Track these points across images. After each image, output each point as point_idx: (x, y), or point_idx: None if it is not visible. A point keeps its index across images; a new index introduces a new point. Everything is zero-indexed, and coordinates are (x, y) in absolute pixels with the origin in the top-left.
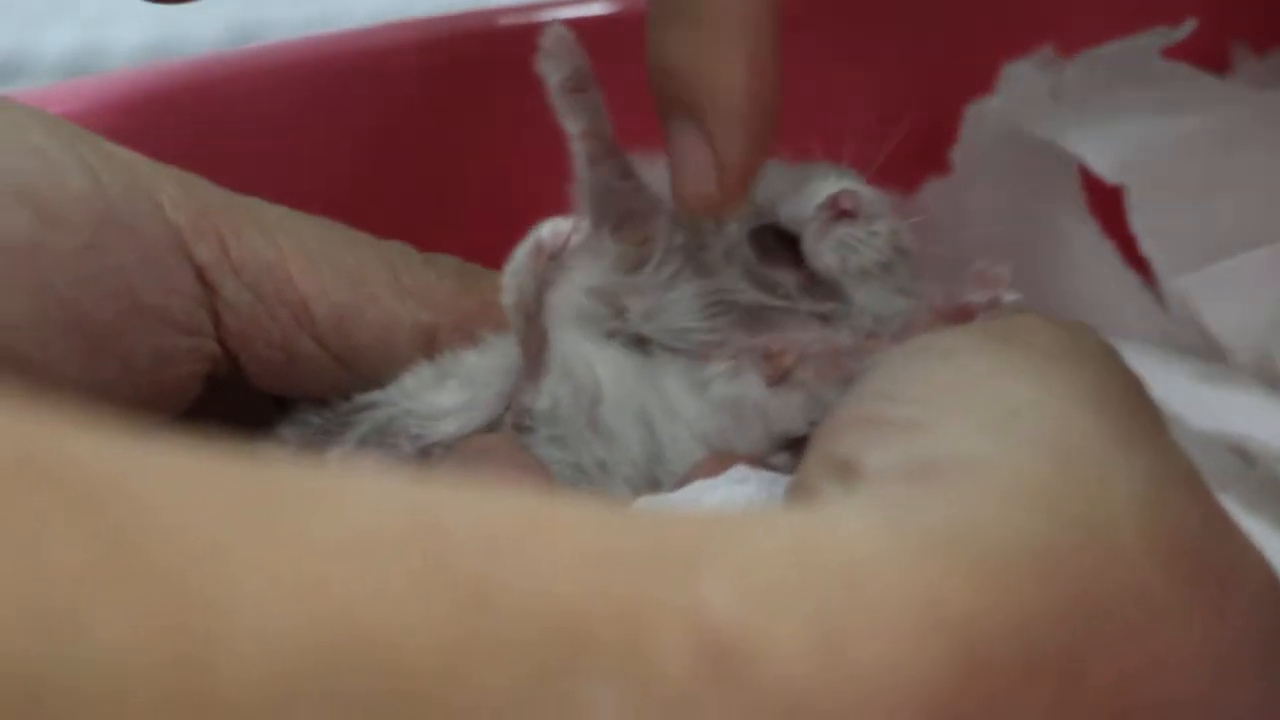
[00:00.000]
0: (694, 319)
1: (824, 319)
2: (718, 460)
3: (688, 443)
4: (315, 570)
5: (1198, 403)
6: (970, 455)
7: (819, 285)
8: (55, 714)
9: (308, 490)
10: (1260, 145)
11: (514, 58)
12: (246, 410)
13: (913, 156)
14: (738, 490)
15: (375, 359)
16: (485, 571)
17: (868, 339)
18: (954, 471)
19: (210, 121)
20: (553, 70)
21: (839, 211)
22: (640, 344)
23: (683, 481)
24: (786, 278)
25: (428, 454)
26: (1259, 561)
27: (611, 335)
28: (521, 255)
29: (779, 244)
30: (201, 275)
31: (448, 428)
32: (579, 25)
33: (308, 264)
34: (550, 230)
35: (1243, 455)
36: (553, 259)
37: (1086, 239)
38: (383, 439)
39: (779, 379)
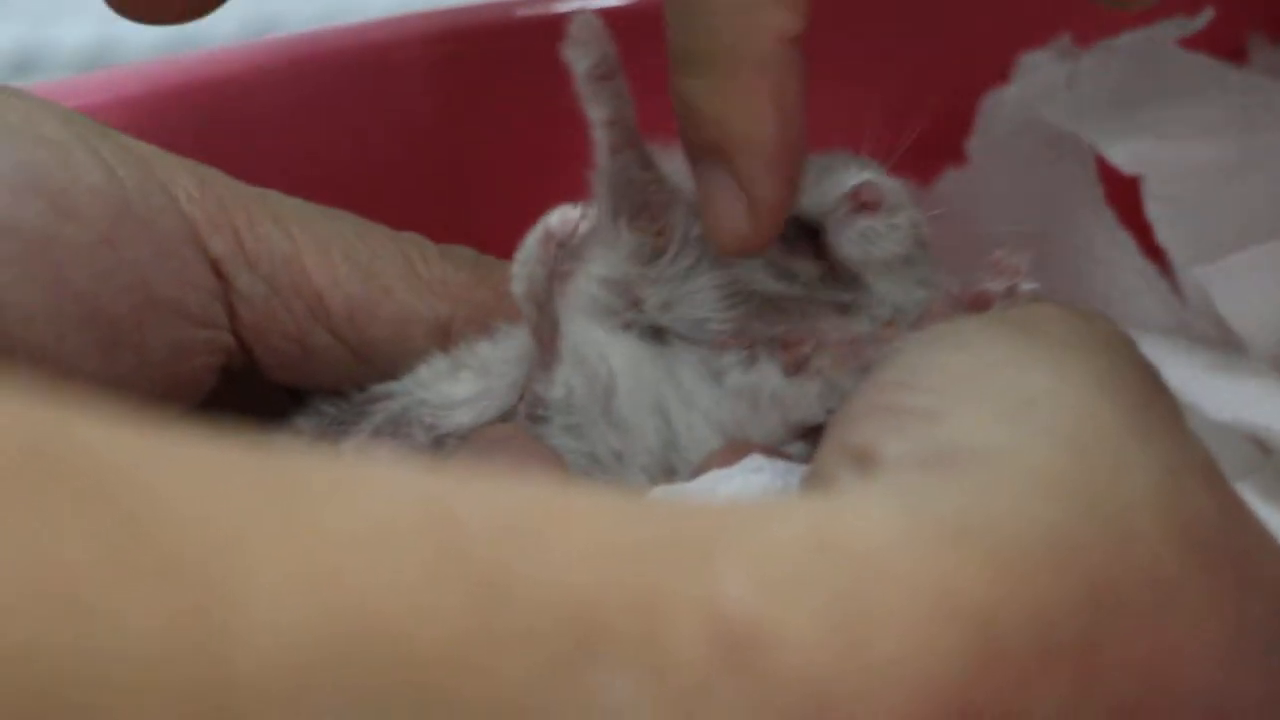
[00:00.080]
0: (711, 309)
1: (843, 310)
2: (733, 449)
3: (704, 432)
4: (330, 562)
5: (1214, 393)
6: (986, 444)
7: (839, 276)
8: (75, 702)
9: (322, 481)
10: (1277, 135)
11: (530, 49)
12: (261, 402)
13: (929, 147)
14: (753, 479)
15: (390, 351)
16: (500, 562)
17: (885, 328)
18: (970, 460)
19: (225, 115)
20: (580, 58)
21: (861, 204)
22: (656, 334)
23: (698, 471)
24: (806, 268)
25: (442, 444)
26: (1276, 551)
27: (627, 326)
28: (531, 243)
29: (799, 234)
30: (216, 268)
31: (462, 418)
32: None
33: (323, 256)
34: (559, 218)
35: (1259, 445)
36: (562, 246)
37: (1103, 229)
38: (397, 429)
39: (796, 368)
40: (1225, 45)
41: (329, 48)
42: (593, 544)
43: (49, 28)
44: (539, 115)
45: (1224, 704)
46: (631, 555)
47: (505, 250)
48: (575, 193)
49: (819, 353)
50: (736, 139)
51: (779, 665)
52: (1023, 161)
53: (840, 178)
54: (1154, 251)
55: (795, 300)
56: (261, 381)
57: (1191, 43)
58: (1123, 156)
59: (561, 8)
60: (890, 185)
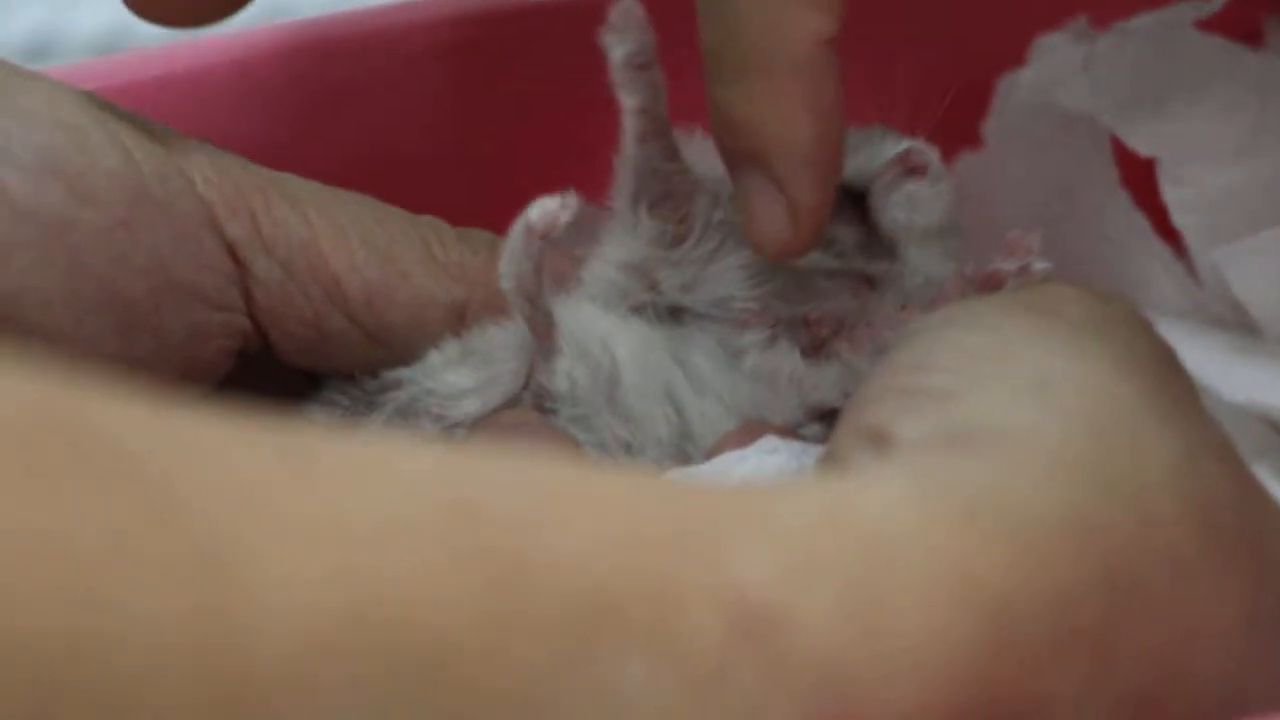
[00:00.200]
0: (737, 287)
1: (871, 284)
2: (747, 430)
3: (718, 416)
4: (346, 547)
5: (1230, 375)
6: (1002, 425)
7: (875, 244)
8: (86, 691)
9: (340, 466)
10: None
11: (548, 32)
12: (277, 385)
13: (944, 130)
14: (768, 460)
15: (408, 335)
16: (517, 547)
17: (902, 310)
18: (986, 441)
19: (242, 98)
20: (617, 44)
21: (910, 167)
22: (671, 315)
23: (713, 452)
24: (848, 234)
25: (451, 434)
26: None
27: (639, 309)
28: (514, 238)
29: (842, 200)
30: (233, 251)
31: (469, 407)
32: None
33: (340, 240)
34: (539, 211)
35: (1275, 427)
36: (544, 238)
37: (1119, 211)
38: (406, 420)
39: (815, 349)
40: (1241, 27)
41: (346, 32)
42: (607, 530)
43: (67, 12)
44: (556, 99)
45: (1239, 686)
46: (646, 541)
47: None
48: (592, 176)
49: (837, 336)
50: (772, 143)
51: (795, 650)
52: (1038, 144)
53: (880, 147)
54: (1170, 234)
55: (825, 274)
56: (277, 365)
57: (1208, 25)
58: (1139, 139)
59: None
60: (933, 154)
